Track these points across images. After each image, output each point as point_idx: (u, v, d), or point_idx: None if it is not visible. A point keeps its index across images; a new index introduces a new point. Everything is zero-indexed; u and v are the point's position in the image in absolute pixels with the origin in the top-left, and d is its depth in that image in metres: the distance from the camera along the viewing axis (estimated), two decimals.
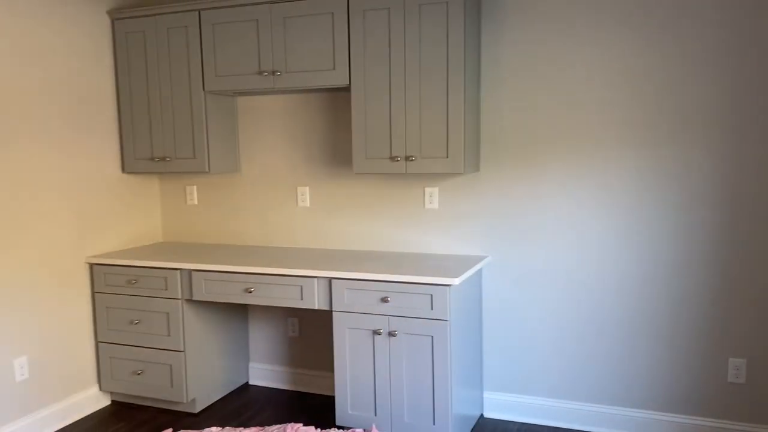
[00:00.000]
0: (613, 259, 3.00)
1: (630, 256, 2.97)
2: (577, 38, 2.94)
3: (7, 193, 2.95)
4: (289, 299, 3.00)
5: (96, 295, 3.41)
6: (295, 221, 3.61)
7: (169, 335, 3.27)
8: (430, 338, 2.76)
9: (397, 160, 2.98)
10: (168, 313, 3.26)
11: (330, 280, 2.92)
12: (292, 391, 3.71)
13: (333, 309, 2.92)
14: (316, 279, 2.94)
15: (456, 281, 2.67)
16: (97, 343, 3.45)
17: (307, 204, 3.56)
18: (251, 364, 3.82)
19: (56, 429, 3.21)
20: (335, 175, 3.49)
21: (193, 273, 3.17)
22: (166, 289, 3.24)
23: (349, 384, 2.94)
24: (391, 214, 3.38)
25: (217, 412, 3.42)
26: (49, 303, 3.18)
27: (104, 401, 3.52)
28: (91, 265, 3.41)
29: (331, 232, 3.53)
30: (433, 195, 3.27)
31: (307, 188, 3.55)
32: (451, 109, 2.86)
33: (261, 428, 2.66)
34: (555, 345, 3.14)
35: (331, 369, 3.61)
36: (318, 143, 3.50)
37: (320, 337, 3.63)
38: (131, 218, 3.70)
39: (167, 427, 3.21)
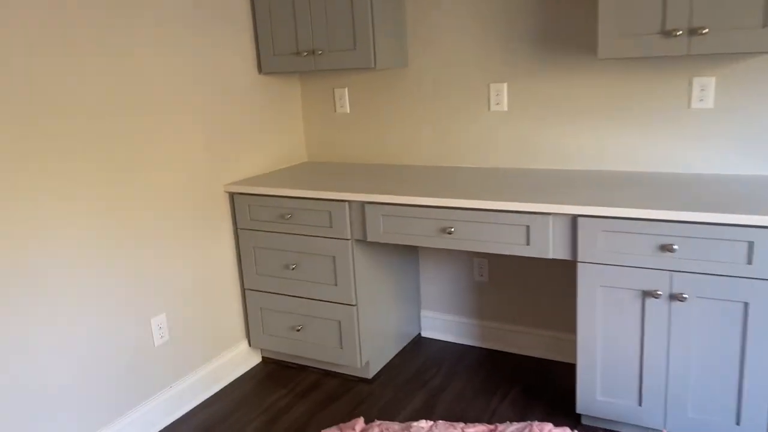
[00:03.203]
0: None
1: None
2: None
3: (132, 101, 2.20)
4: (507, 244, 2.15)
5: (239, 232, 2.70)
6: (486, 132, 2.70)
7: (336, 285, 2.53)
8: (741, 305, 1.85)
9: (676, 35, 1.96)
10: (334, 257, 2.50)
11: (574, 218, 2.03)
12: (476, 347, 2.94)
13: (578, 259, 2.04)
14: (551, 216, 2.06)
15: None
16: (243, 290, 2.78)
17: (504, 107, 2.63)
18: (423, 313, 3.07)
19: (207, 396, 2.62)
20: (547, 64, 2.51)
21: (367, 206, 2.37)
22: (330, 227, 2.47)
23: (600, 361, 2.10)
24: (635, 119, 2.40)
25: (394, 377, 2.71)
26: (185, 245, 2.50)
27: (254, 359, 2.89)
28: (232, 195, 2.68)
29: (541, 147, 2.60)
30: (706, 88, 2.25)
31: (505, 85, 2.60)
32: None
33: (492, 427, 1.91)
34: None
35: (532, 323, 2.79)
36: (521, 20, 2.51)
37: (515, 282, 2.80)
38: (271, 133, 2.92)
39: (339, 396, 2.57)
